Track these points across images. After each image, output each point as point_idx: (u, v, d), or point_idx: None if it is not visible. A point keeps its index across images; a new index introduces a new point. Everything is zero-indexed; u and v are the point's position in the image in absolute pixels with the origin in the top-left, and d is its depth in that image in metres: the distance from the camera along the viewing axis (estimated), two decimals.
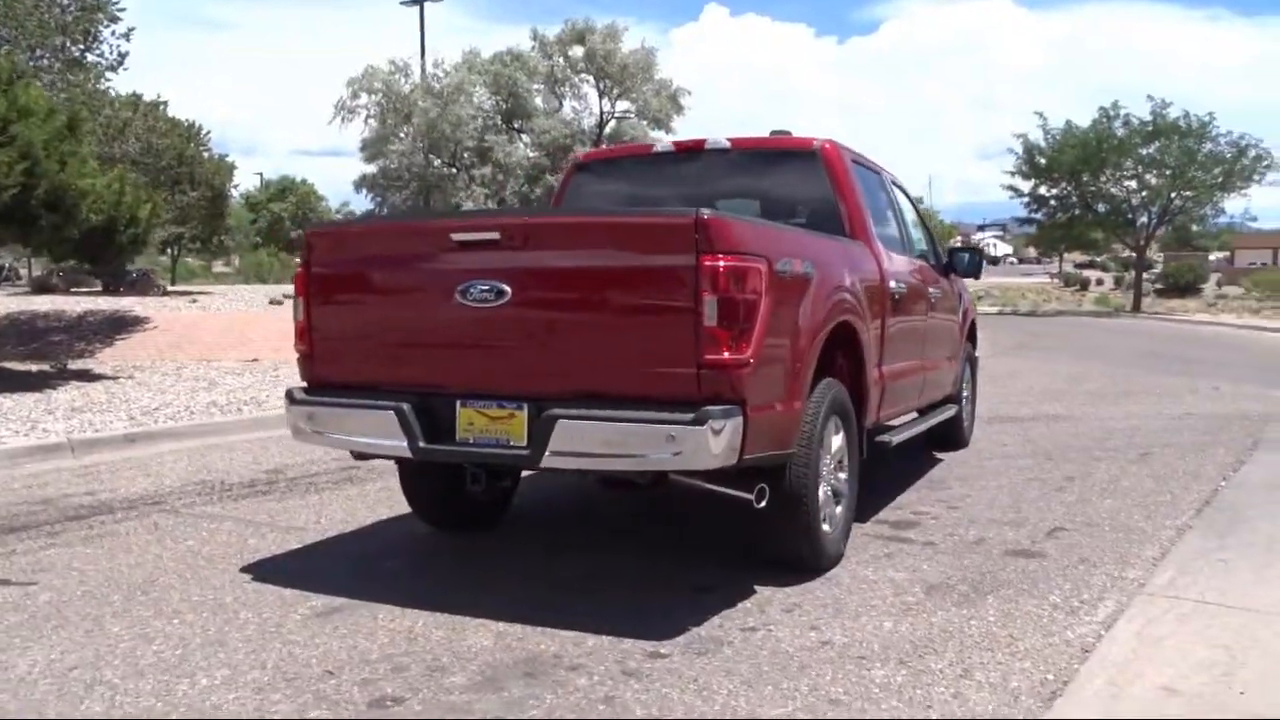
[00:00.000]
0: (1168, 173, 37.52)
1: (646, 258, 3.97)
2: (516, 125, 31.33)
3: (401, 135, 28.98)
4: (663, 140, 6.19)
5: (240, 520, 5.94)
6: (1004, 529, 5.64)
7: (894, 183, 6.97)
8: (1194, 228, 38.67)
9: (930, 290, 6.80)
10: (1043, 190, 39.63)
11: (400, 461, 5.19)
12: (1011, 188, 39.65)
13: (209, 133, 29.76)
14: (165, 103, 21.85)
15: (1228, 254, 74.47)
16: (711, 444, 3.80)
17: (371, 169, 30.47)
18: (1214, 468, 7.47)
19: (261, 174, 62.48)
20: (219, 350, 16.39)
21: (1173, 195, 37.69)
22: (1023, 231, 55.37)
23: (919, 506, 6.21)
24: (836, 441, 4.84)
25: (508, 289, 4.14)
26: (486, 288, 4.17)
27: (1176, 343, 21.93)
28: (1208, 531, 5.56)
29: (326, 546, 5.38)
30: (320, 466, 7.65)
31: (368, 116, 29.51)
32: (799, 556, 4.66)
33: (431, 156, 30.06)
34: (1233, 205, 49.04)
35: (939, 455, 7.96)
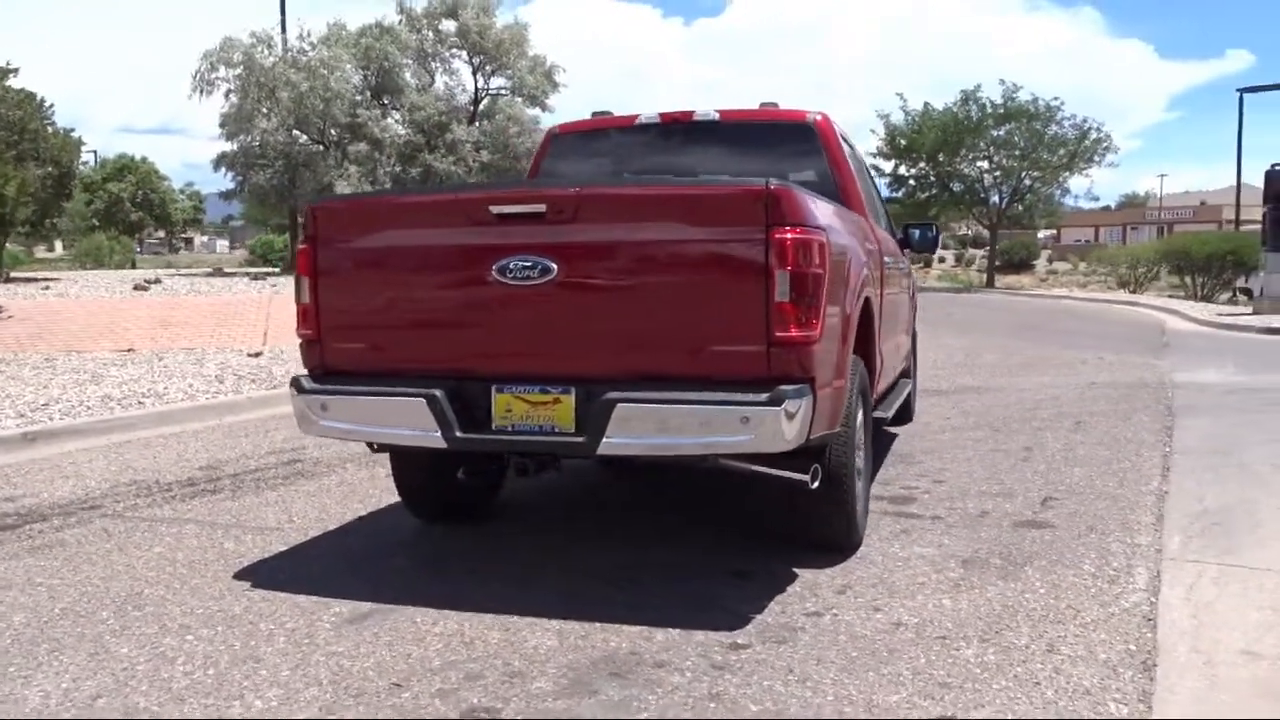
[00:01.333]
0: (1017, 153, 39.43)
1: (712, 230, 3.78)
2: (386, 101, 30.22)
3: (264, 110, 27.49)
4: (647, 111, 5.94)
5: (201, 523, 5.46)
6: (998, 500, 5.70)
7: (861, 155, 6.97)
8: (1042, 205, 40.68)
9: (900, 264, 6.84)
10: (903, 170, 41.13)
11: (397, 452, 4.86)
12: (874, 168, 40.87)
13: (52, 105, 27.59)
14: (15, 70, 20.00)
15: (1055, 232, 78.67)
16: (785, 425, 3.66)
17: (231, 146, 28.83)
18: (1150, 434, 7.79)
19: (96, 152, 58.49)
20: (87, 341, 15.23)
21: (1023, 175, 39.63)
22: None
23: (904, 481, 6.23)
24: (859, 418, 4.77)
25: (554, 265, 3.88)
26: (529, 264, 3.90)
27: (1041, 315, 23.01)
28: (1183, 496, 5.76)
29: (316, 547, 4.99)
30: (259, 461, 7.15)
31: (228, 91, 27.88)
32: (835, 536, 4.58)
33: (297, 133, 28.67)
34: (1076, 184, 52.02)
35: (891, 430, 8.04)
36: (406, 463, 4.98)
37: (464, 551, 4.89)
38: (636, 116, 5.92)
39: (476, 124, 29.87)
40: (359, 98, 28.61)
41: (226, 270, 31.47)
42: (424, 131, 29.17)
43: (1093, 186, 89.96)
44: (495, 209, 3.94)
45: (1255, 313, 20.91)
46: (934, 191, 41.26)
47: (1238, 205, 38.85)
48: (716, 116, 5.76)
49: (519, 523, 5.46)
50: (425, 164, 28.72)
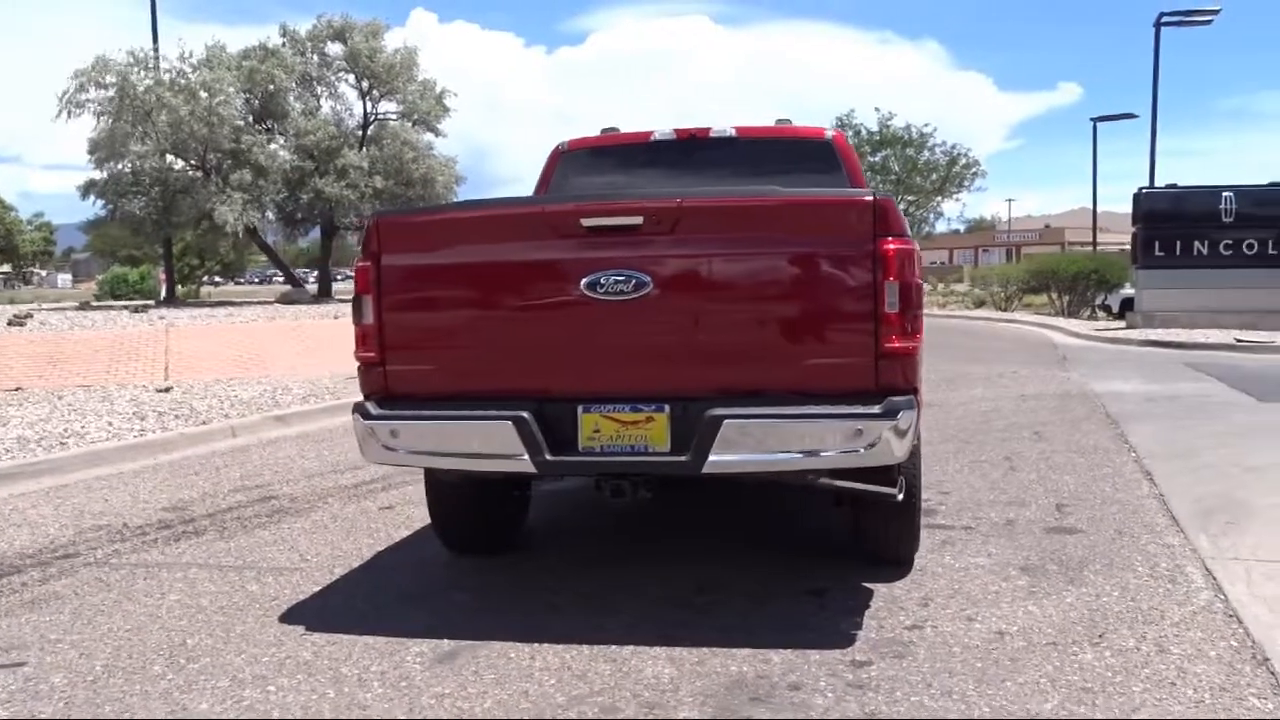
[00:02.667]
0: (893, 178, 40.98)
1: (817, 241, 3.73)
2: (270, 126, 29.16)
3: (139, 134, 26.05)
4: (662, 128, 5.86)
5: (206, 566, 5.07)
6: (1015, 509, 5.80)
7: None
8: (923, 229, 42.31)
9: None
10: None
11: (439, 482, 4.63)
12: None
13: None
14: None
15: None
16: (898, 438, 3.62)
17: (100, 173, 27.20)
18: (1108, 441, 8.11)
19: None
20: None
21: (899, 200, 41.15)
22: None
23: None
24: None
25: (648, 279, 3.75)
26: (621, 278, 3.76)
27: (937, 333, 23.77)
28: (1181, 499, 5.97)
29: (352, 586, 4.69)
30: (228, 500, 6.71)
31: (99, 113, 26.35)
32: (901, 550, 4.57)
33: (172, 159, 27.32)
34: (949, 208, 54.29)
35: None
36: (445, 493, 4.74)
37: (517, 582, 4.67)
38: (651, 133, 5.84)
39: (366, 149, 29.09)
40: (241, 122, 27.49)
41: (95, 304, 29.71)
42: (312, 157, 28.24)
43: (965, 209, 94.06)
44: (587, 221, 3.79)
45: (1129, 326, 22.11)
46: None
47: (1094, 227, 41.13)
48: (734, 133, 5.73)
49: (550, 551, 5.26)
50: (316, 189, 27.77)
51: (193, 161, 27.65)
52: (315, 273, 36.78)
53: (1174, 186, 23.25)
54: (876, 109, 42.91)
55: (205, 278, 46.83)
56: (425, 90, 29.81)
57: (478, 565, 4.95)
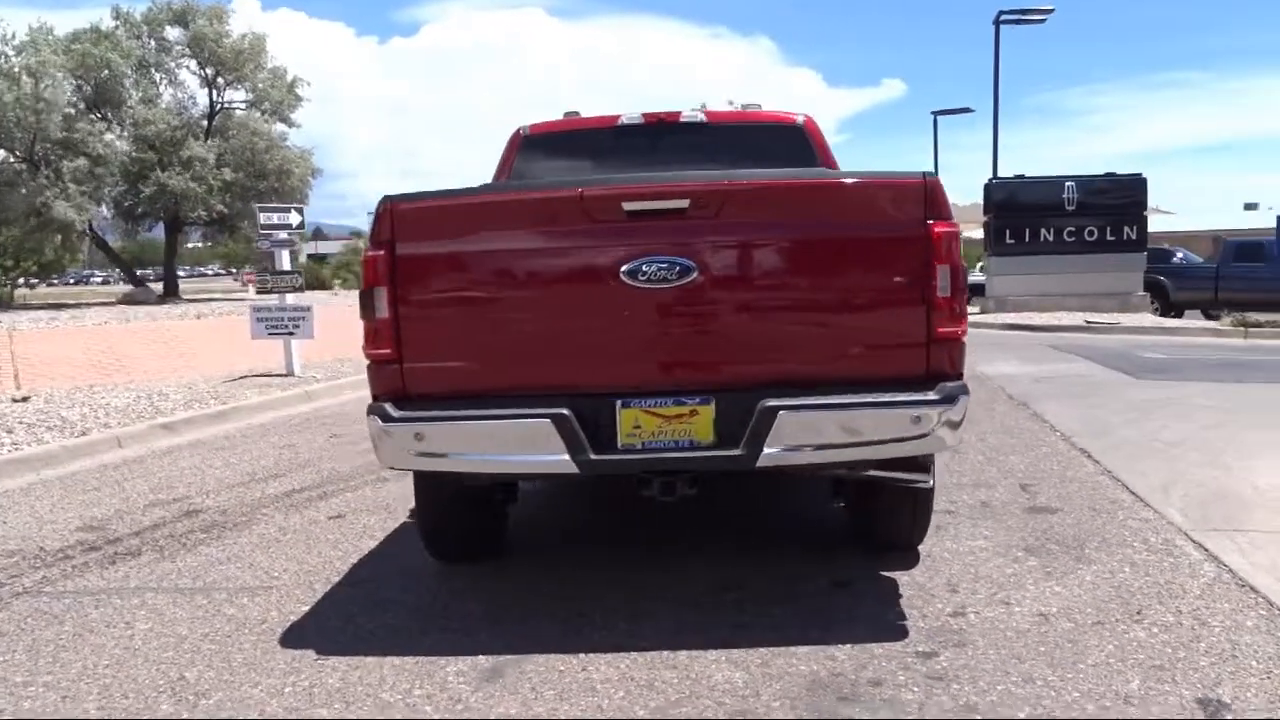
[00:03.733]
0: None
1: (869, 224, 3.63)
2: (105, 114, 27.17)
3: None
4: (630, 113, 5.66)
5: (162, 590, 4.61)
6: (985, 491, 5.90)
7: None
8: None
9: None
10: None
11: (430, 487, 4.34)
12: None
13: None
14: None
15: None
16: (951, 424, 3.57)
17: None
18: (1028, 422, 8.40)
19: None
20: None
21: None
22: None
23: None
24: None
25: (693, 265, 3.57)
26: (665, 264, 3.57)
27: None
28: (1130, 475, 6.19)
29: (343, 603, 4.33)
30: (149, 516, 6.15)
31: None
32: (914, 536, 4.55)
33: None
34: None
35: None
36: (439, 499, 4.43)
37: (526, 589, 4.41)
38: (618, 117, 5.63)
39: (214, 139, 27.49)
40: (72, 110, 25.49)
41: None
42: (154, 148, 26.46)
43: None
44: (629, 205, 3.57)
45: (983, 311, 23.14)
46: None
47: None
48: (704, 118, 5.59)
49: (543, 555, 5.00)
50: (159, 182, 26.03)
51: (18, 152, 25.51)
52: (144, 272, 34.50)
53: (1021, 177, 24.45)
54: (730, 102, 43.34)
55: (22, 279, 43.39)
56: (276, 78, 28.39)
57: (471, 574, 4.66)
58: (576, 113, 5.88)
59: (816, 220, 3.63)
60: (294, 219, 13.27)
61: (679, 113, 5.59)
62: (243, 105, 28.94)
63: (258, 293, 13.69)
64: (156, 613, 4.28)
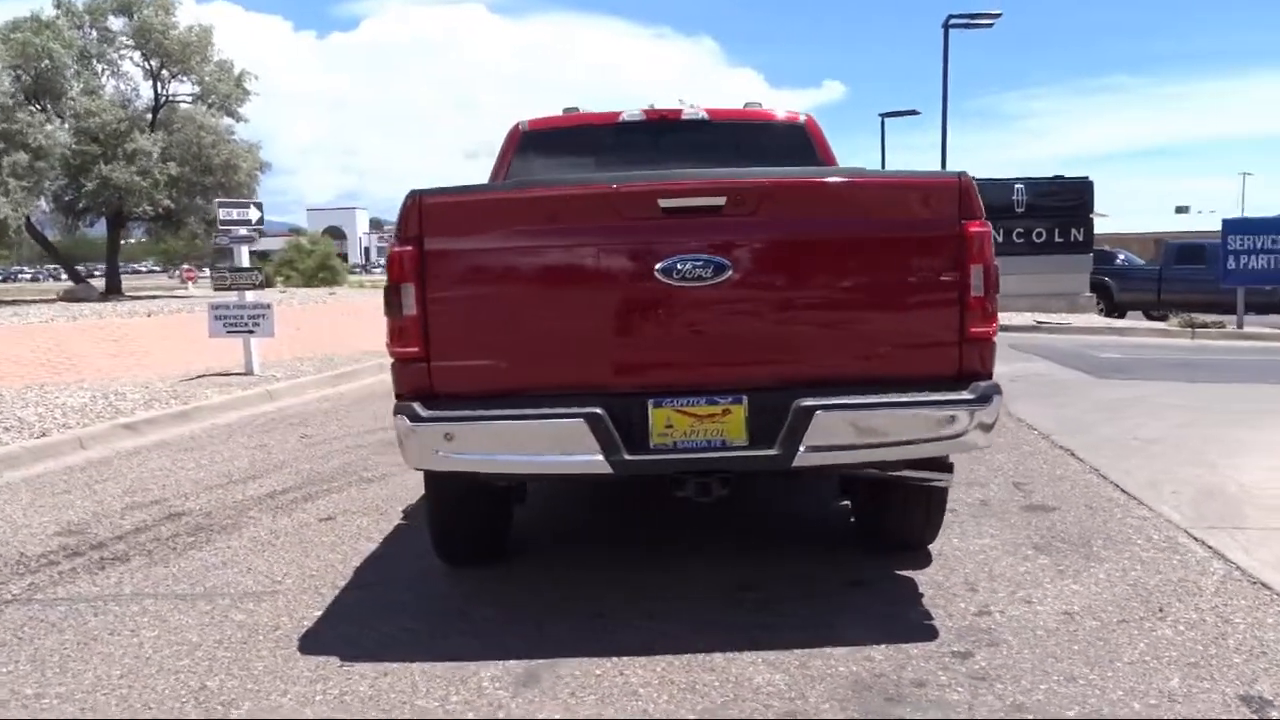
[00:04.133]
0: None
1: (905, 223, 3.63)
2: (44, 105, 26.32)
3: None
4: (630, 109, 5.62)
5: (160, 596, 4.47)
6: (980, 490, 5.96)
7: None
8: None
9: None
10: None
11: (444, 488, 4.25)
12: None
13: None
14: None
15: None
16: (985, 423, 3.58)
17: None
18: (1002, 420, 8.47)
19: None
20: None
21: None
22: None
23: None
24: None
25: (728, 263, 3.54)
26: (700, 263, 3.53)
27: None
28: (1116, 472, 6.30)
29: (355, 608, 4.23)
30: (131, 519, 5.96)
31: None
32: (926, 535, 4.57)
33: None
34: None
35: None
36: (452, 501, 4.35)
37: (537, 592, 4.34)
38: (619, 114, 5.58)
39: (159, 132, 26.78)
40: (10, 101, 24.64)
41: None
42: (97, 141, 25.71)
43: None
44: (665, 202, 3.53)
45: None
46: None
47: None
48: (705, 115, 5.56)
49: (544, 558, 4.92)
50: (102, 176, 25.30)
51: None
52: (79, 269, 33.48)
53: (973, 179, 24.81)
54: (680, 100, 43.50)
55: None
56: (223, 71, 27.76)
57: (477, 577, 4.57)
58: (576, 108, 5.81)
59: (852, 219, 3.62)
60: (253, 214, 12.98)
61: (680, 110, 5.56)
62: (188, 98, 28.28)
63: (215, 289, 13.34)
64: (160, 619, 4.14)
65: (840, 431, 3.54)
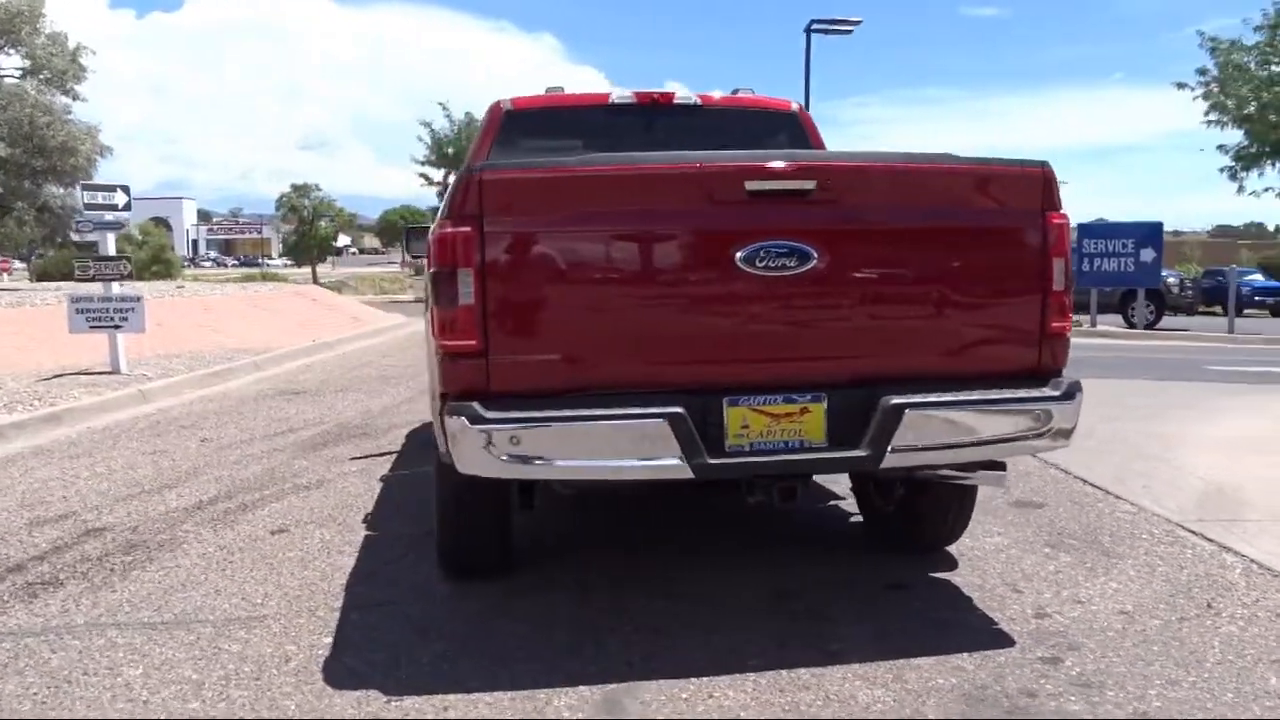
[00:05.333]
0: None
1: (993, 212, 3.48)
2: None
3: None
4: (620, 90, 5.30)
5: (124, 626, 3.91)
6: None
7: None
8: None
9: None
10: (451, 179, 41.44)
11: (464, 493, 3.86)
12: (424, 175, 40.95)
13: None
14: None
15: None
16: (1070, 419, 3.48)
17: None
18: None
19: None
20: None
21: None
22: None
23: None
24: None
25: (812, 251, 3.30)
26: (785, 250, 3.28)
27: None
28: (1074, 464, 6.38)
29: (367, 632, 3.79)
30: (40, 539, 5.26)
31: None
32: (955, 533, 4.46)
33: None
34: None
35: None
36: (469, 507, 3.96)
37: (555, 606, 3.98)
38: (608, 95, 5.27)
39: None
40: None
41: None
42: None
43: None
44: (751, 185, 3.26)
45: None
46: None
47: None
48: (698, 100, 5.32)
49: (541, 568, 4.56)
50: None
51: None
52: None
53: None
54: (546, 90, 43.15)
55: None
56: (56, 45, 25.53)
57: (496, 591, 4.16)
58: (560, 88, 5.46)
59: (939, 207, 3.44)
60: (120, 199, 11.92)
61: (672, 93, 5.30)
62: (16, 73, 25.91)
63: (78, 280, 12.19)
64: (139, 653, 3.60)
65: (929, 431, 3.36)
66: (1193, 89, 23.47)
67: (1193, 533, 4.87)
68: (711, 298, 3.33)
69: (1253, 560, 4.42)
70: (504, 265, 3.22)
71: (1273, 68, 22.26)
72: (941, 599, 4.00)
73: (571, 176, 3.32)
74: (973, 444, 3.42)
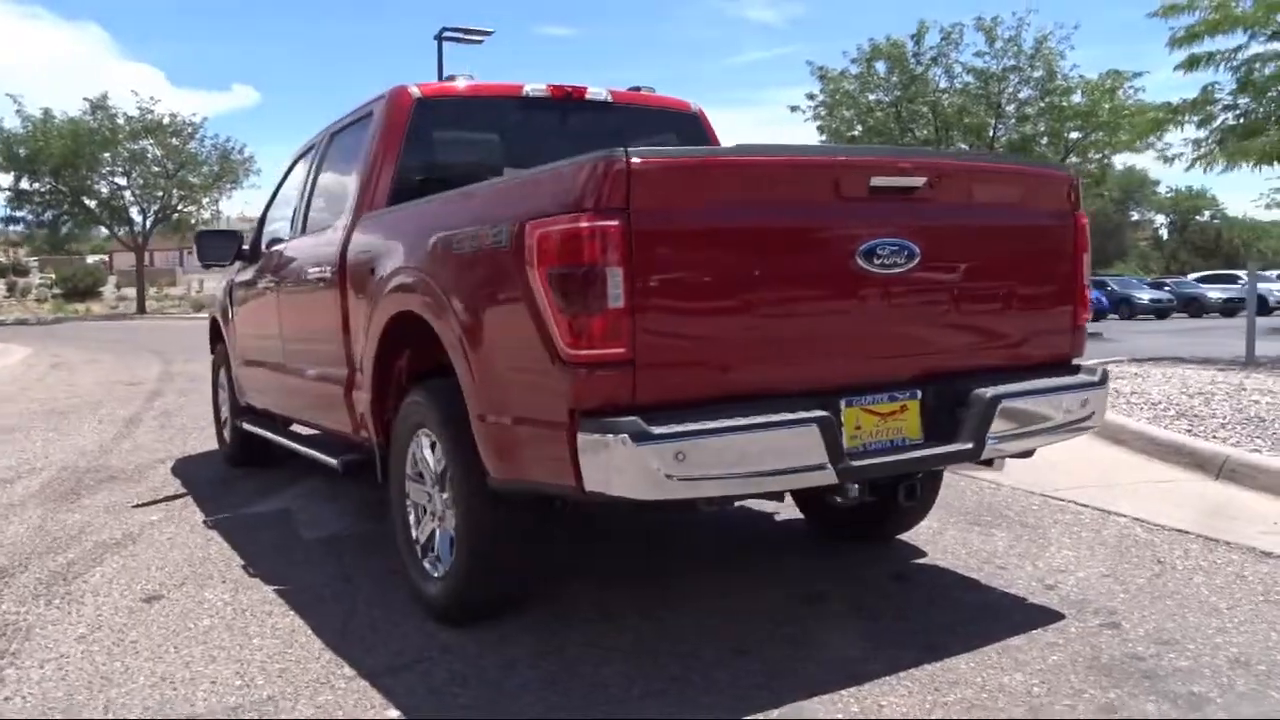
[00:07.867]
0: (156, 170, 37.63)
1: (1043, 212, 3.78)
2: None
3: None
4: (534, 83, 4.89)
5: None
6: None
7: None
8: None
9: None
10: (26, 185, 36.10)
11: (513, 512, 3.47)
12: None
13: None
14: None
15: (107, 258, 69.06)
16: (1105, 405, 3.81)
17: None
18: None
19: None
20: None
21: (170, 194, 38.00)
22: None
23: None
24: None
25: (916, 249, 3.33)
26: (896, 248, 3.28)
27: None
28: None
29: (439, 698, 3.23)
30: None
31: None
32: (917, 521, 4.69)
33: None
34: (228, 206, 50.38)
35: None
36: (515, 533, 3.55)
37: (563, 645, 3.62)
38: (521, 86, 4.90)
39: None
40: None
41: None
42: None
43: (246, 207, 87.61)
44: (876, 180, 3.21)
45: None
46: (66, 208, 37.01)
47: None
48: (609, 97, 5.11)
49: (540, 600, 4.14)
50: None
51: None
52: None
53: None
54: (134, 92, 38.98)
55: None
56: None
57: (497, 638, 3.68)
58: (454, 78, 4.97)
59: (1010, 206, 3.67)
60: None
61: (585, 88, 5.05)
62: None
63: None
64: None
65: (1017, 419, 3.52)
66: (804, 111, 26.31)
67: (1068, 501, 5.44)
68: (836, 295, 3.26)
69: (1138, 519, 5.04)
70: (654, 263, 2.90)
71: (869, 96, 25.54)
72: (949, 583, 4.16)
73: (724, 164, 3.10)
74: (1038, 431, 3.62)
